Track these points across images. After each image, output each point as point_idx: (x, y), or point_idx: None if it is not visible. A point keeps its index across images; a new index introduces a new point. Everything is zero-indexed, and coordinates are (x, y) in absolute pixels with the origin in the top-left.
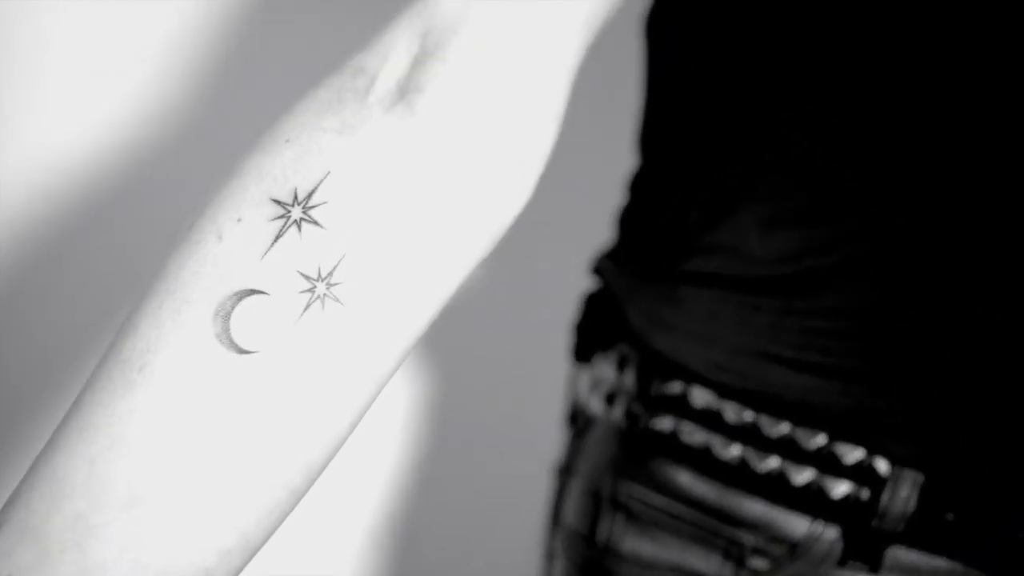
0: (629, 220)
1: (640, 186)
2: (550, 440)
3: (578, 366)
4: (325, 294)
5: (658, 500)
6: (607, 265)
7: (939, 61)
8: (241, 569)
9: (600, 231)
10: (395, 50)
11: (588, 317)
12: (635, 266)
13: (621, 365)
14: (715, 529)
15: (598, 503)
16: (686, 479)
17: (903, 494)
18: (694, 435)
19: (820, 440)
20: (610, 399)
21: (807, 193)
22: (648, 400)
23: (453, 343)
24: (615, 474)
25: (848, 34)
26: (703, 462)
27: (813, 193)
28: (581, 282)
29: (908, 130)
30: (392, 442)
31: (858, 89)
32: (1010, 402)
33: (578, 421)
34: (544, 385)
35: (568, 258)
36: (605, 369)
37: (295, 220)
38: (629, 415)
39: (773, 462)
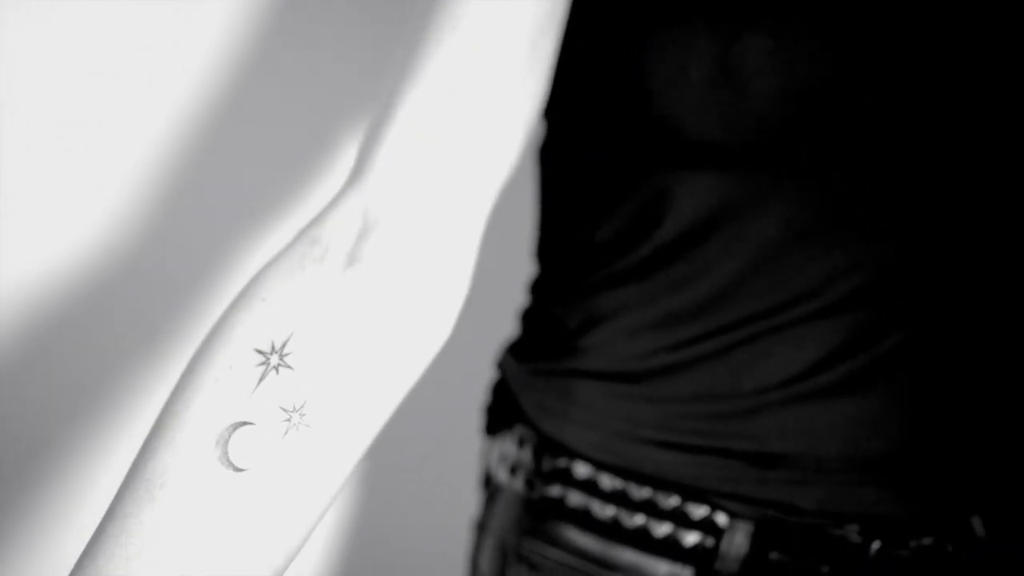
0: (527, 320)
1: (536, 292)
2: (471, 498)
3: (489, 439)
4: (299, 422)
5: (552, 552)
6: (508, 359)
7: (926, 64)
8: None
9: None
10: (342, 225)
11: (494, 401)
12: (530, 362)
13: (521, 443)
14: (597, 574)
15: (506, 556)
16: (573, 534)
17: (737, 540)
18: (578, 499)
19: (674, 501)
20: (513, 470)
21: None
22: (542, 473)
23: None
24: (519, 532)
25: (835, 36)
26: (585, 521)
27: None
28: (490, 371)
29: (895, 131)
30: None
31: (845, 91)
32: (814, 466)
33: (489, 486)
34: (465, 454)
35: (482, 352)
36: (508, 446)
37: (274, 366)
38: (528, 484)
39: (639, 519)
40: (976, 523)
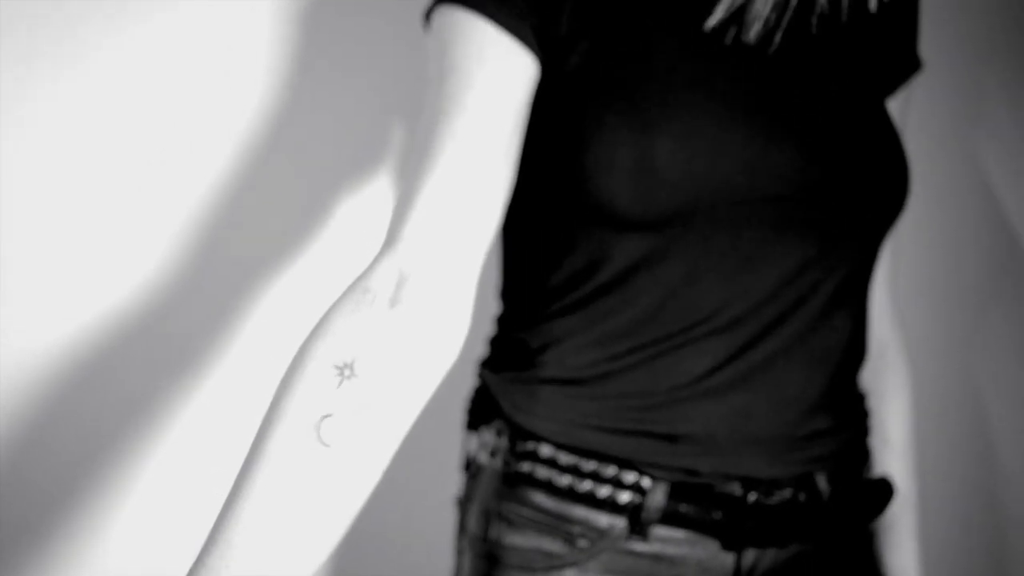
0: (497, 344)
1: (502, 323)
2: (453, 481)
3: (470, 433)
4: (365, 413)
5: (524, 511)
6: (485, 371)
7: (784, 158)
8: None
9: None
10: (384, 278)
11: (475, 403)
12: (502, 373)
13: (498, 433)
14: (557, 526)
15: (488, 517)
16: (539, 498)
17: (658, 496)
18: (543, 472)
19: (612, 471)
20: (492, 453)
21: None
22: (515, 453)
23: None
24: (498, 498)
25: (719, 138)
26: (548, 487)
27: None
28: (469, 380)
29: (760, 206)
30: None
31: (725, 179)
32: (709, 441)
33: (471, 468)
34: (447, 446)
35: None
36: (488, 436)
37: (346, 376)
38: (505, 463)
39: (587, 484)
40: (821, 480)
